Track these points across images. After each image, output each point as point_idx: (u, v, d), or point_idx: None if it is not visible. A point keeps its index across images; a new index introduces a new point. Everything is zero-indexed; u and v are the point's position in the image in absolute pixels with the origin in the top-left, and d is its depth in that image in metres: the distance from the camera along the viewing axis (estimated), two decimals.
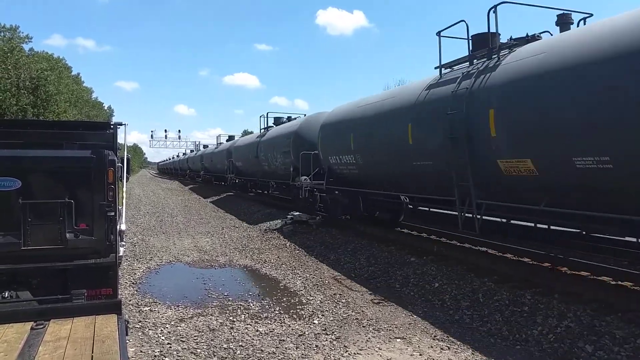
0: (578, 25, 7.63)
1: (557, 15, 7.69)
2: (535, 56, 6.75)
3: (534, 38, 7.72)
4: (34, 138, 5.45)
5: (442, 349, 5.65)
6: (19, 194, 4.60)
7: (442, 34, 8.96)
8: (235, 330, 6.19)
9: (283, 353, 5.44)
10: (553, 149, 6.33)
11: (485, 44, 8.10)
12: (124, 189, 5.94)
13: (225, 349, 5.55)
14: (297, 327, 6.38)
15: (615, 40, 5.61)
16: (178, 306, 7.29)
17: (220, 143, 39.80)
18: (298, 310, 7.18)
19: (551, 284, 7.24)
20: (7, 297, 4.44)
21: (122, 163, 6.00)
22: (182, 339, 5.83)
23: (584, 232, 7.76)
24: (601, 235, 7.55)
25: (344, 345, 5.71)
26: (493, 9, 7.76)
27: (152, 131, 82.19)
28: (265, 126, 23.14)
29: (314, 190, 15.33)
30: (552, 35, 7.74)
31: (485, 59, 8.03)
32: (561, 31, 7.57)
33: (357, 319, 6.75)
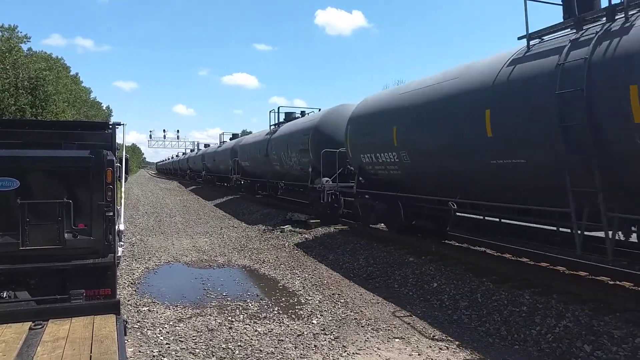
0: None
1: None
2: None
3: None
4: (32, 138, 5.46)
5: (440, 348, 5.66)
6: (17, 194, 4.60)
7: None
8: (233, 330, 6.19)
9: (282, 353, 5.44)
10: None
11: (588, 7, 6.74)
12: (123, 189, 5.94)
13: (223, 349, 5.54)
14: (295, 327, 6.38)
15: None
16: (176, 306, 7.28)
17: (223, 142, 37.33)
18: (297, 310, 7.18)
19: (550, 283, 7.26)
20: (6, 297, 4.45)
21: (121, 163, 6.00)
22: (180, 339, 5.83)
23: None
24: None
25: (343, 345, 5.71)
26: None
27: (150, 131, 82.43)
28: (276, 122, 20.82)
29: (337, 194, 13.64)
30: None
31: (603, 22, 6.36)
32: None
33: (356, 318, 6.75)
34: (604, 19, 6.43)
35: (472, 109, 7.72)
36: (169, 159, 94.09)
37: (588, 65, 5.94)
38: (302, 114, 20.17)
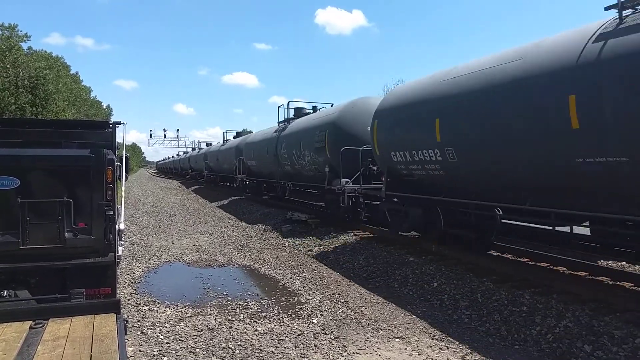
0: None
1: None
2: None
3: None
4: (32, 137, 5.46)
5: (440, 348, 5.66)
6: (17, 193, 4.60)
7: None
8: (234, 330, 6.19)
9: (282, 352, 5.45)
10: None
11: None
12: (123, 188, 5.94)
13: (224, 348, 5.55)
14: (296, 326, 6.38)
15: None
16: (177, 305, 7.28)
17: (227, 140, 34.75)
18: (297, 310, 7.18)
19: (550, 283, 7.25)
20: (6, 296, 4.45)
21: (121, 162, 6.00)
22: (180, 338, 5.83)
23: None
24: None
25: (343, 345, 5.71)
26: None
27: (150, 130, 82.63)
28: (285, 118, 19.06)
29: (360, 197, 12.47)
30: None
31: None
32: None
33: (356, 318, 6.75)
34: None
35: (548, 96, 6.32)
36: (169, 158, 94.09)
37: None
38: (314, 109, 18.26)
